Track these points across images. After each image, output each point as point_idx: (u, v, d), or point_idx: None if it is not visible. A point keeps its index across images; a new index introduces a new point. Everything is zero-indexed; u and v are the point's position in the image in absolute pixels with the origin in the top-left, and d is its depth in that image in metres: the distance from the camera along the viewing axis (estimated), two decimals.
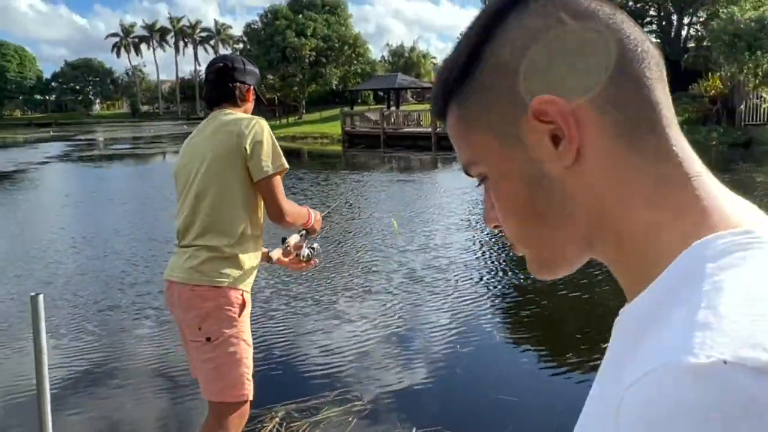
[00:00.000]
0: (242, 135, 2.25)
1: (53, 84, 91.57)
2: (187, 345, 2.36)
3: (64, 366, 4.73)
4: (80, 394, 4.33)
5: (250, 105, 2.53)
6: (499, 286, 6.63)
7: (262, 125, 2.31)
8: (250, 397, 2.33)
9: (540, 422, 3.77)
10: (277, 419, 3.76)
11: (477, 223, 10.28)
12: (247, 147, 2.23)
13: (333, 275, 7.21)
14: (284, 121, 45.09)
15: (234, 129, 2.29)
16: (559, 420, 3.77)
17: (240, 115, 2.39)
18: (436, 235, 9.36)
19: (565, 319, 5.69)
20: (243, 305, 2.28)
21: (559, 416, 3.82)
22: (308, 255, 2.60)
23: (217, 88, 2.47)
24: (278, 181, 2.30)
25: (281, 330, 5.40)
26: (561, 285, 6.51)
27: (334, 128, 35.83)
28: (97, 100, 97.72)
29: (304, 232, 2.63)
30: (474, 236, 9.32)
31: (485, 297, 6.26)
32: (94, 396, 4.29)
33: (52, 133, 54.36)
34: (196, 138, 2.45)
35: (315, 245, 2.65)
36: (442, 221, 10.58)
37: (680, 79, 32.61)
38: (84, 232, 10.40)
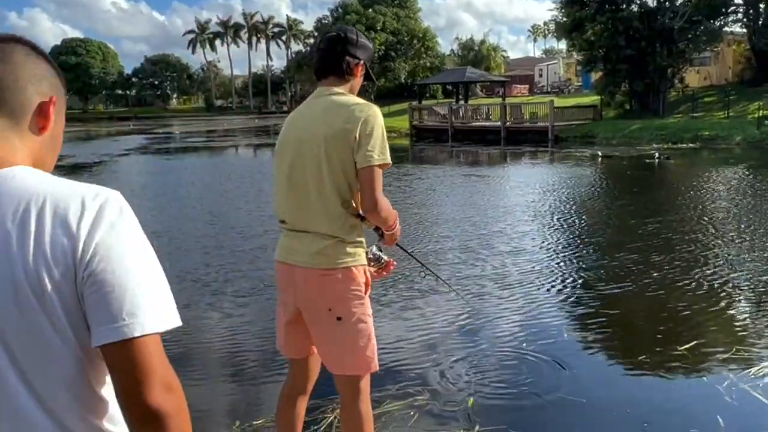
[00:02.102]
0: (355, 121, 2.23)
1: (133, 79, 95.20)
2: (293, 326, 2.44)
3: None
4: None
5: (358, 81, 2.47)
6: (569, 283, 6.43)
7: (376, 114, 2.29)
8: (377, 368, 2.46)
9: (607, 424, 3.62)
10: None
11: (548, 217, 10.03)
12: (358, 134, 2.22)
13: (398, 267, 7.16)
14: None
15: (348, 114, 2.26)
16: (627, 422, 3.61)
17: (354, 99, 2.35)
18: (505, 229, 9.19)
19: (637, 319, 5.46)
20: (368, 282, 2.37)
21: (627, 418, 3.66)
22: (382, 261, 2.53)
23: (326, 59, 2.41)
24: (379, 172, 2.27)
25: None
26: (634, 284, 6.27)
27: (402, 122, 35.82)
28: (174, 95, 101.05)
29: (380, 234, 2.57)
30: (543, 232, 9.09)
31: (554, 294, 6.09)
32: None
33: (132, 127, 56.63)
34: (306, 116, 2.40)
35: (385, 256, 2.56)
36: (510, 215, 10.38)
37: None
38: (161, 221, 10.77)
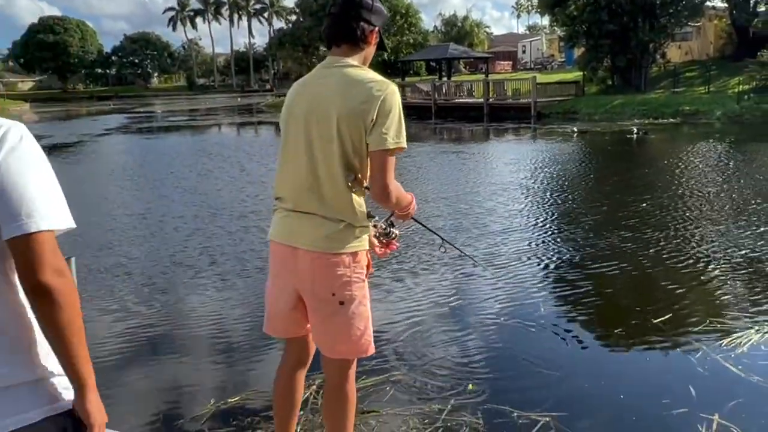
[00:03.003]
0: (373, 100, 2.08)
1: (113, 58, 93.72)
2: (292, 309, 2.35)
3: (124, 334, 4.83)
4: (126, 360, 4.42)
5: (371, 49, 2.30)
6: (549, 258, 6.45)
7: (395, 92, 2.13)
8: (374, 350, 2.40)
9: (580, 397, 3.64)
10: (315, 387, 3.74)
11: (529, 194, 10.04)
12: (375, 115, 2.07)
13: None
14: None
15: (365, 92, 2.10)
16: (602, 394, 3.64)
17: (371, 74, 2.18)
18: (485, 206, 9.19)
19: (615, 292, 5.48)
20: (369, 265, 2.31)
21: (598, 391, 3.69)
22: (392, 234, 2.45)
23: (338, 24, 2.23)
24: (393, 158, 2.14)
25: None
26: (613, 258, 6.30)
27: None
28: (155, 74, 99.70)
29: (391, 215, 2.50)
30: (525, 207, 9.10)
31: (532, 269, 6.10)
32: (139, 362, 4.36)
33: (112, 106, 55.87)
34: (317, 88, 2.22)
35: (396, 230, 2.49)
36: (492, 192, 10.38)
37: (749, 45, 31.12)
38: (143, 203, 10.63)
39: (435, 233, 2.95)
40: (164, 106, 53.57)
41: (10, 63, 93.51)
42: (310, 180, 2.20)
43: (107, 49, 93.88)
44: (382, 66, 49.25)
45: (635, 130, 19.62)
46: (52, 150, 20.68)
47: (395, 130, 2.11)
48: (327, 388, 2.46)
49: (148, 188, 12.09)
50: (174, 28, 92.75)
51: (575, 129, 20.80)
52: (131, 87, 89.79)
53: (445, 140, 22.37)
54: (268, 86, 73.38)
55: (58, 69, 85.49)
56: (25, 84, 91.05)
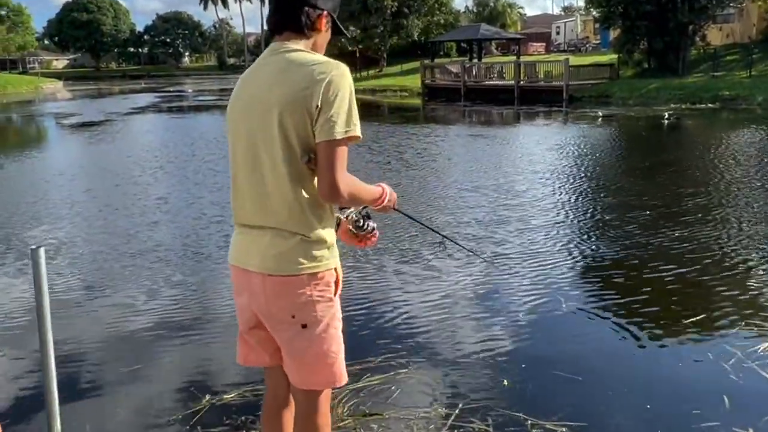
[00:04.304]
0: (316, 83, 1.79)
1: (145, 37, 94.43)
2: (249, 334, 2.07)
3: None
4: (90, 357, 4.26)
5: (323, 36, 2.00)
6: (576, 250, 6.12)
7: (343, 74, 1.84)
8: (346, 379, 2.09)
9: (601, 406, 3.35)
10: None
11: (563, 182, 9.66)
12: (319, 100, 1.78)
13: (394, 232, 6.90)
14: (364, 74, 44.63)
15: (306, 74, 1.82)
16: (627, 402, 3.35)
17: (316, 56, 1.90)
18: (513, 194, 8.87)
19: (646, 288, 5.14)
20: (337, 282, 1.99)
21: (622, 400, 3.39)
22: (368, 227, 2.15)
23: (280, 11, 1.95)
24: (344, 149, 1.82)
25: None
26: (645, 251, 5.96)
27: (415, 81, 35.17)
28: (187, 53, 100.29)
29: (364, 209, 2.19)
30: (557, 196, 8.75)
31: (558, 261, 5.79)
32: (133, 356, 4.19)
33: (143, 85, 56.31)
34: (258, 77, 1.95)
35: (372, 223, 2.18)
36: (522, 179, 10.03)
37: None
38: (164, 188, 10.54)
39: (431, 228, 2.55)
40: (194, 86, 53.79)
41: (45, 41, 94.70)
42: (255, 187, 1.91)
43: (140, 28, 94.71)
44: (411, 47, 48.73)
45: (666, 116, 18.97)
46: (78, 128, 20.82)
47: (345, 116, 1.81)
48: (295, 418, 2.13)
49: (172, 169, 11.97)
50: (205, 8, 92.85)
51: (600, 114, 20.23)
52: (163, 66, 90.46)
53: (474, 123, 21.97)
54: None
55: (91, 48, 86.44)
56: (60, 62, 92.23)
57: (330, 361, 1.98)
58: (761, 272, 5.28)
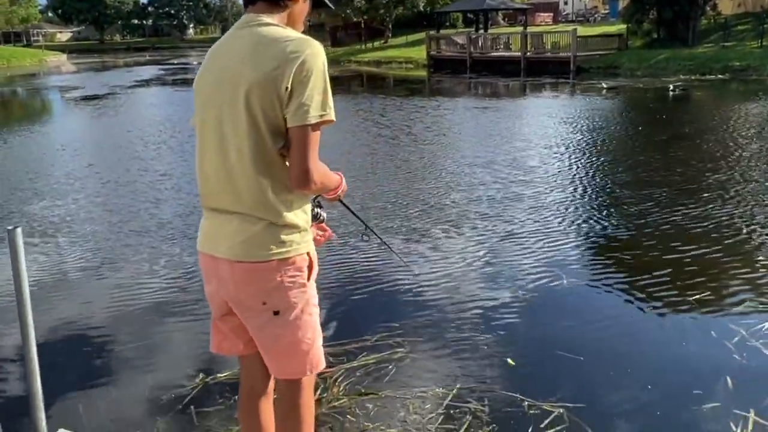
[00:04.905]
0: (288, 63, 1.67)
1: (149, 9, 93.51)
2: (221, 321, 1.97)
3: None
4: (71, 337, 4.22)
5: (300, 8, 1.87)
6: (574, 227, 6.03)
7: (316, 53, 1.71)
8: (324, 365, 1.97)
9: (601, 387, 3.29)
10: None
11: (576, 157, 9.51)
12: (290, 82, 1.66)
13: (392, 205, 6.82)
14: (369, 45, 44.14)
15: (278, 53, 1.69)
16: (628, 382, 3.29)
17: (289, 32, 1.76)
18: (526, 169, 8.75)
19: (650, 263, 5.06)
20: (311, 266, 1.87)
21: (623, 380, 3.33)
22: (319, 216, 2.03)
23: None
24: (317, 135, 1.72)
25: (324, 264, 5.08)
26: (646, 228, 5.87)
27: (420, 53, 34.75)
28: (191, 25, 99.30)
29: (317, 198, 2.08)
30: (570, 172, 8.62)
31: (570, 243, 5.69)
32: (126, 334, 4.15)
33: (148, 57, 55.89)
34: (227, 52, 1.82)
35: (323, 213, 2.06)
36: (535, 154, 9.89)
37: None
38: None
39: (358, 218, 2.38)
40: (199, 58, 53.27)
41: (49, 14, 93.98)
42: (221, 170, 1.80)
43: (143, 0, 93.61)
44: (417, 18, 48.07)
45: (671, 87, 18.68)
46: (82, 101, 20.71)
47: (318, 100, 1.70)
48: (277, 406, 2.05)
49: (173, 146, 11.87)
50: None
51: (605, 85, 19.92)
52: (167, 38, 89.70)
53: (481, 95, 21.72)
54: None
55: (95, 20, 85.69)
56: (63, 35, 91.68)
57: (305, 348, 1.88)
58: None
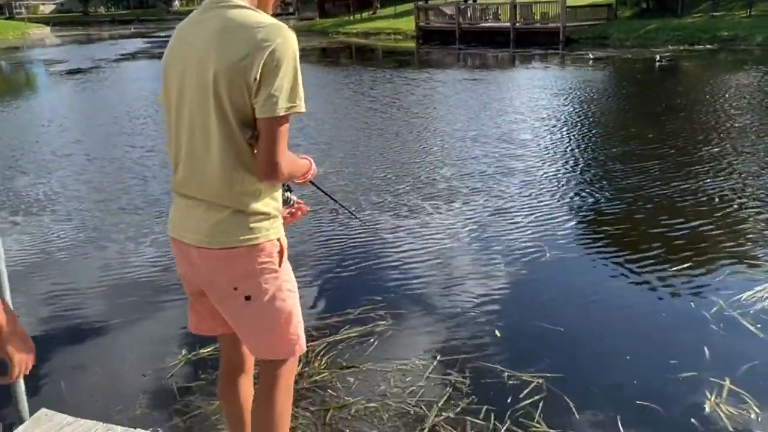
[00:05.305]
0: (258, 51, 1.60)
1: None
2: (198, 302, 1.95)
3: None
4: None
5: None
6: (555, 199, 6.05)
7: (288, 42, 1.63)
8: (304, 349, 1.96)
9: (581, 357, 3.34)
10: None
11: (569, 130, 9.46)
12: (260, 71, 1.60)
13: (381, 180, 6.81)
14: (358, 16, 43.65)
15: (247, 40, 1.62)
16: (602, 355, 3.34)
17: (260, 17, 1.67)
18: (518, 143, 8.73)
19: (633, 235, 5.10)
20: (281, 252, 1.83)
21: (602, 350, 3.38)
22: (290, 201, 1.99)
23: None
24: (286, 126, 1.68)
25: (311, 240, 5.09)
26: (627, 199, 5.90)
27: (409, 24, 34.38)
28: None
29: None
30: (563, 146, 8.62)
31: (559, 217, 5.69)
32: (108, 311, 4.16)
33: (132, 30, 55.00)
34: (194, 34, 1.73)
35: (293, 196, 2.01)
36: (527, 127, 9.85)
37: None
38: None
39: (330, 196, 2.35)
40: None
41: None
42: (187, 156, 1.75)
43: None
44: None
45: (657, 58, 18.63)
46: (66, 75, 20.42)
47: (288, 90, 1.64)
48: (255, 394, 2.03)
49: (159, 121, 11.76)
50: None
51: (591, 56, 19.85)
52: (153, 10, 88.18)
53: (470, 67, 21.56)
54: (290, 9, 71.64)
55: None
56: (47, 7, 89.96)
57: (280, 332, 1.86)
58: (760, 224, 5.19)
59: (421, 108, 11.90)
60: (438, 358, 3.29)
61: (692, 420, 2.76)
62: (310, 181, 2.05)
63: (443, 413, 2.83)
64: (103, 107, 13.45)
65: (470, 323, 3.69)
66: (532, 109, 11.14)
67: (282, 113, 1.64)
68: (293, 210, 2.01)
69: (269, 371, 1.91)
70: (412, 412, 2.86)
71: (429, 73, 18.37)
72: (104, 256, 4.98)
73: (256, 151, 1.71)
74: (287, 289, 1.86)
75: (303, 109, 1.68)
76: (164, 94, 1.83)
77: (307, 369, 3.21)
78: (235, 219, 1.73)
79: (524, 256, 4.64)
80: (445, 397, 2.95)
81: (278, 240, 1.82)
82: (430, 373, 3.16)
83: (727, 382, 2.99)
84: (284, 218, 1.93)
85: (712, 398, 2.89)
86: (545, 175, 6.76)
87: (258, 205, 1.75)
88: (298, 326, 1.90)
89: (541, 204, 5.82)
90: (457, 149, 8.18)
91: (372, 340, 3.49)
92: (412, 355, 3.34)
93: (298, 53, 1.67)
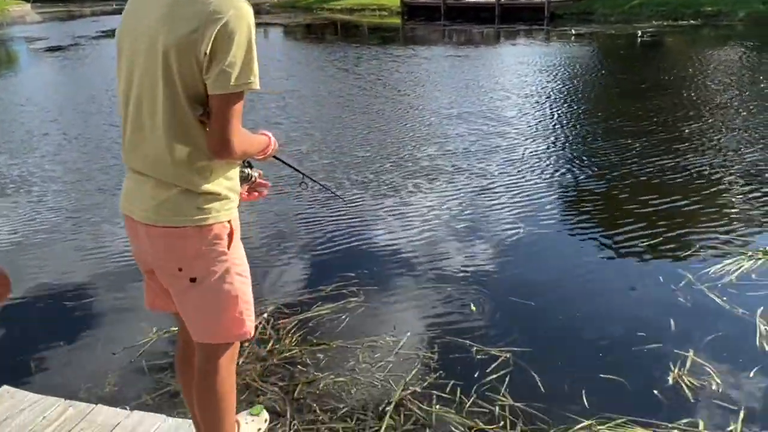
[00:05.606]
0: (209, 24, 1.54)
1: None
2: (151, 279, 1.91)
3: None
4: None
5: None
6: (561, 184, 6.06)
7: (241, 14, 1.57)
8: (251, 334, 1.92)
9: (549, 331, 3.37)
10: (265, 315, 3.51)
11: (554, 107, 9.44)
12: (210, 46, 1.54)
13: (364, 159, 6.79)
14: None
15: (198, 13, 1.55)
16: (570, 329, 3.38)
17: None
18: (503, 121, 8.71)
19: (603, 214, 5.13)
20: (231, 234, 1.78)
21: (571, 324, 3.42)
22: (251, 178, 1.97)
23: None
24: (239, 103, 1.62)
25: (287, 218, 5.07)
26: (602, 175, 5.93)
27: None
28: None
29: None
30: (547, 123, 8.61)
31: (539, 195, 5.68)
32: (79, 287, 4.14)
33: (114, 6, 53.97)
34: (144, 7, 1.68)
35: (255, 173, 1.99)
36: (511, 104, 9.82)
37: None
38: None
39: (296, 170, 2.33)
40: None
41: None
42: (136, 131, 1.70)
43: None
44: None
45: (639, 33, 18.65)
46: (46, 53, 20.10)
47: (241, 66, 1.58)
48: (195, 375, 1.93)
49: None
50: None
51: (573, 32, 19.83)
52: None
53: (456, 43, 21.41)
54: None
55: None
56: None
57: (225, 316, 1.82)
58: (738, 199, 5.24)
59: (406, 85, 11.81)
60: (408, 334, 3.31)
61: (655, 392, 2.81)
62: (275, 157, 2.03)
63: (410, 387, 2.86)
64: (82, 85, 13.27)
65: (443, 299, 3.71)
66: (516, 85, 11.10)
67: (235, 90, 1.59)
68: (255, 189, 1.99)
69: (208, 356, 1.87)
70: (379, 387, 2.88)
71: (414, 49, 18.23)
72: (78, 236, 4.94)
73: (208, 129, 1.66)
74: (236, 272, 1.81)
75: (258, 86, 1.63)
76: (117, 65, 1.78)
77: (277, 346, 3.22)
78: (184, 198, 1.69)
79: (501, 233, 4.66)
80: (414, 372, 2.98)
81: (229, 222, 1.77)
82: (399, 348, 3.18)
83: (691, 354, 3.04)
84: (241, 195, 1.91)
85: (676, 370, 2.94)
86: (528, 153, 6.76)
87: (208, 185, 1.70)
88: (245, 312, 1.85)
89: (523, 182, 5.82)
90: (442, 127, 8.15)
91: (344, 316, 3.50)
92: (383, 331, 3.36)
93: (253, 26, 1.62)
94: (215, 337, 1.85)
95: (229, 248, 1.78)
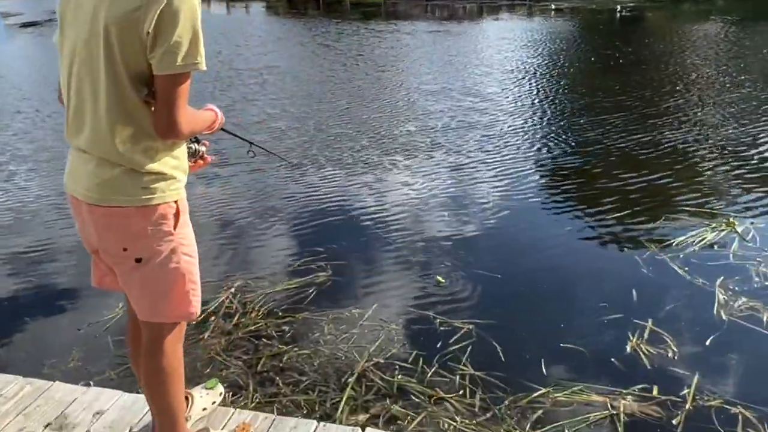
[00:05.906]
0: (151, 4, 1.50)
1: None
2: (98, 258, 1.87)
3: None
4: None
5: None
6: (538, 159, 6.09)
7: None
8: (197, 314, 1.89)
9: (513, 303, 3.42)
10: (232, 290, 3.52)
11: (535, 83, 9.44)
12: (153, 24, 1.50)
13: (341, 136, 6.78)
14: None
15: None
16: (533, 301, 3.42)
17: None
18: (483, 97, 8.70)
19: (571, 187, 5.17)
20: (178, 214, 1.75)
21: (535, 296, 3.46)
22: (198, 152, 1.94)
23: None
24: (186, 84, 1.59)
25: (256, 194, 5.06)
26: (573, 148, 5.96)
27: None
28: None
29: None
30: (528, 99, 8.61)
31: (507, 168, 5.74)
32: (46, 262, 4.12)
33: None
34: None
35: (202, 147, 1.95)
36: (492, 80, 9.81)
37: None
38: None
39: (243, 139, 2.30)
40: None
41: None
42: (79, 108, 1.66)
43: None
44: None
45: (618, 8, 18.67)
46: (20, 28, 19.74)
47: (187, 45, 1.54)
48: (142, 354, 1.91)
49: None
50: None
51: (553, 7, 19.80)
52: None
53: (438, 19, 21.28)
54: None
55: None
56: None
57: (173, 296, 1.80)
58: (712, 173, 5.27)
59: (387, 61, 11.75)
60: (375, 306, 3.33)
61: (612, 360, 2.86)
62: (223, 129, 2.02)
63: (373, 359, 2.89)
64: (56, 62, 13.04)
65: (411, 273, 3.74)
66: (498, 61, 11.09)
67: (181, 70, 1.56)
68: (198, 156, 1.97)
69: (153, 335, 1.85)
70: (343, 358, 2.91)
71: (396, 24, 18.12)
72: (48, 214, 4.90)
73: (153, 109, 1.63)
74: (183, 252, 1.78)
75: (204, 67, 1.60)
76: (59, 38, 1.73)
77: (243, 320, 3.24)
78: (128, 178, 1.66)
79: (473, 208, 4.69)
80: (377, 344, 3.01)
81: (176, 202, 1.74)
82: (364, 321, 3.21)
83: (650, 323, 3.09)
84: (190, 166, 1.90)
85: (634, 339, 2.99)
86: (507, 129, 6.78)
87: (154, 165, 1.67)
88: (192, 292, 1.83)
89: (499, 157, 5.85)
90: (422, 103, 8.13)
91: (311, 290, 3.52)
92: (350, 304, 3.38)
93: (199, 5, 1.58)
94: (161, 317, 1.83)
95: (175, 228, 1.75)
